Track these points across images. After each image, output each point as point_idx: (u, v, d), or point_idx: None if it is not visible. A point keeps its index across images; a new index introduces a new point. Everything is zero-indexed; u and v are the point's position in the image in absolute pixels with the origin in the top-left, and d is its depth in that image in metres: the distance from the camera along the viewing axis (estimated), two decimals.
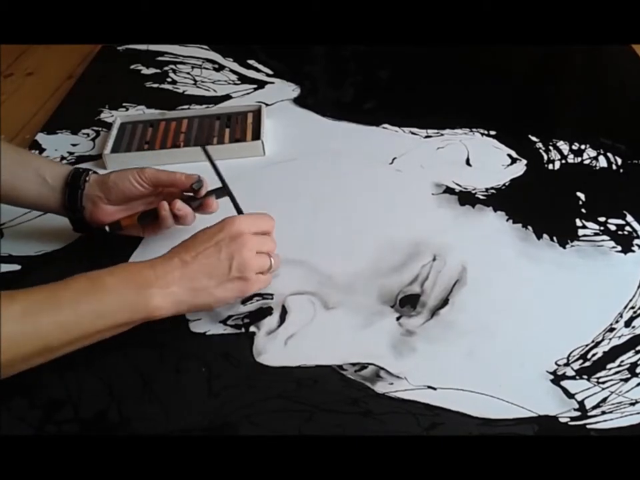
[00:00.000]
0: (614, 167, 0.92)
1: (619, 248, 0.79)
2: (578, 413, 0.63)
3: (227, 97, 1.15)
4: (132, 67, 1.26)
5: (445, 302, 0.74)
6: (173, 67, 1.26)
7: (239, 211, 0.77)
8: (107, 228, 0.81)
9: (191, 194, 0.80)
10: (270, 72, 1.22)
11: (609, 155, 0.94)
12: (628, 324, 0.70)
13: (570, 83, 1.17)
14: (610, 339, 0.69)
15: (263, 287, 0.73)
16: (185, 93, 1.17)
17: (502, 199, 0.88)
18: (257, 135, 1.02)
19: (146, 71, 1.25)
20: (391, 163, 0.97)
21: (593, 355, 0.68)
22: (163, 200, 0.79)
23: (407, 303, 0.74)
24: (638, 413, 0.62)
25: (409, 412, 0.64)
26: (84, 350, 0.71)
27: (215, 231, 0.70)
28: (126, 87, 1.20)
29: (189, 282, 0.68)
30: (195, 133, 1.05)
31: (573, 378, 0.66)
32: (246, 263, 0.69)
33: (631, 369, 0.66)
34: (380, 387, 0.66)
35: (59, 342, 0.63)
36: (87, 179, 0.80)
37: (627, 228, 0.82)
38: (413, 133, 1.02)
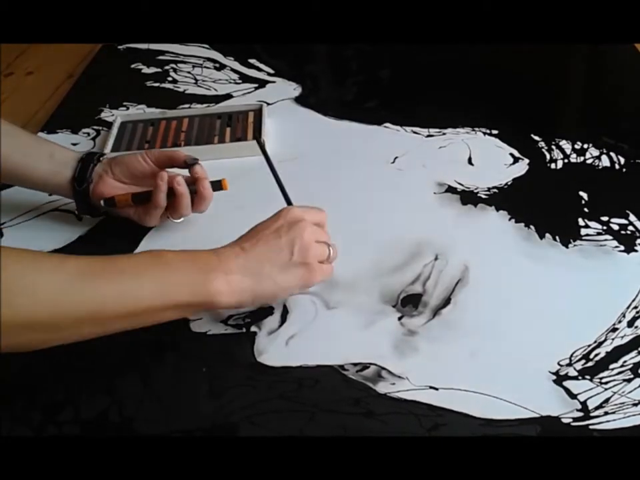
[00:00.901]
0: (617, 166, 0.92)
1: (622, 247, 0.79)
2: (580, 414, 0.62)
3: (228, 96, 1.15)
4: (132, 66, 1.26)
5: (447, 301, 0.74)
6: (173, 65, 1.25)
7: (289, 202, 0.77)
8: (101, 202, 0.82)
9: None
10: (271, 71, 1.21)
11: (612, 154, 0.94)
12: (631, 324, 0.70)
13: (572, 82, 1.16)
14: (613, 339, 0.69)
15: (326, 277, 0.72)
16: (186, 92, 1.17)
17: (504, 199, 0.87)
18: (258, 134, 1.02)
19: (146, 70, 1.25)
20: (393, 162, 0.96)
21: (596, 355, 0.67)
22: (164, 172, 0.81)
23: (409, 302, 0.74)
24: None
25: (410, 412, 0.63)
26: (84, 350, 0.71)
27: (272, 220, 0.70)
28: (126, 86, 1.20)
29: (251, 268, 0.66)
30: (196, 132, 1.05)
31: (575, 378, 0.65)
32: (308, 247, 0.68)
33: (634, 369, 0.66)
34: (382, 387, 0.66)
35: (114, 311, 0.60)
36: (101, 159, 0.84)
37: (630, 227, 0.82)
38: (414, 132, 1.02)
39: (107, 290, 0.59)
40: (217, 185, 0.82)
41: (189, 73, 1.23)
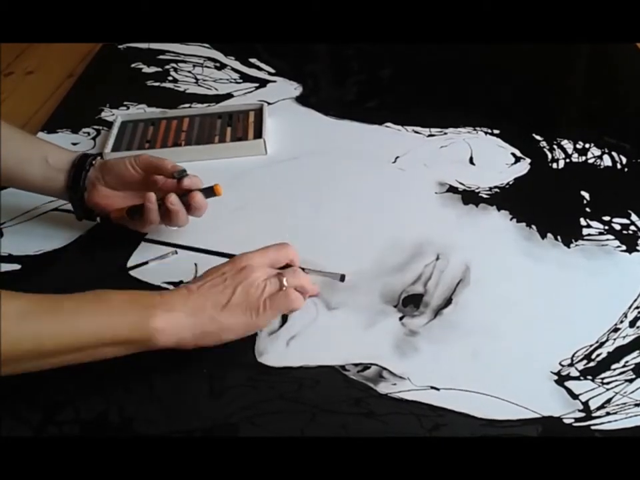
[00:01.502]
0: (618, 165, 0.92)
1: (624, 247, 0.79)
2: (582, 414, 0.62)
3: (229, 96, 1.15)
4: (133, 65, 1.26)
5: (448, 302, 0.74)
6: (174, 65, 1.25)
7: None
8: (97, 219, 0.82)
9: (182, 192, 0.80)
10: (272, 70, 1.21)
11: (614, 153, 0.94)
12: (633, 324, 0.70)
13: (574, 81, 1.16)
14: (614, 339, 0.68)
15: (277, 313, 0.70)
16: (187, 91, 1.17)
17: (506, 198, 0.87)
18: (258, 134, 1.01)
19: (147, 69, 1.24)
20: (394, 161, 0.96)
21: (598, 355, 0.67)
22: (152, 193, 0.79)
23: (410, 302, 0.74)
24: None
25: (411, 413, 0.63)
26: None
27: (222, 265, 0.70)
28: (127, 86, 1.20)
29: (192, 307, 0.66)
30: (197, 131, 1.04)
31: (577, 378, 0.65)
32: (250, 285, 0.67)
33: (636, 369, 0.66)
34: (383, 388, 0.66)
35: (53, 348, 0.61)
36: (93, 162, 0.82)
37: (632, 227, 0.82)
38: (416, 132, 1.02)
39: (45, 329, 0.61)
40: (210, 192, 0.80)
41: (189, 72, 1.23)
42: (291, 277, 0.70)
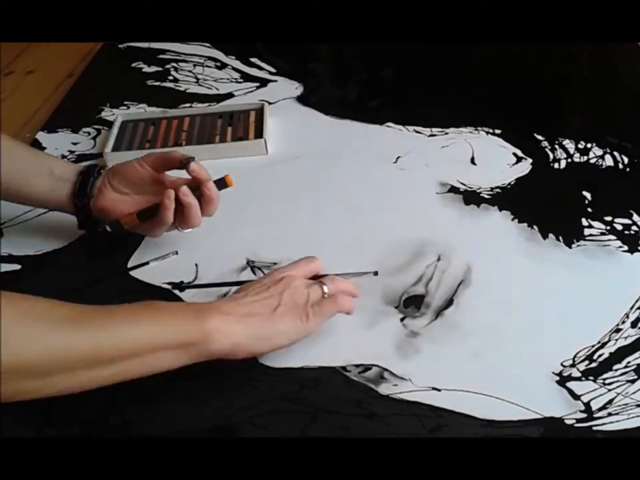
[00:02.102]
0: (620, 165, 0.92)
1: (626, 248, 0.79)
2: (584, 415, 0.62)
3: (230, 95, 1.14)
4: (133, 64, 1.26)
5: (449, 302, 0.74)
6: (174, 64, 1.25)
7: None
8: (107, 228, 0.79)
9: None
10: (273, 70, 1.21)
11: (615, 153, 0.94)
12: (634, 324, 0.70)
13: (576, 81, 1.16)
14: (616, 340, 0.68)
15: (326, 317, 0.69)
16: (187, 91, 1.17)
17: (507, 198, 0.87)
18: (259, 134, 1.01)
19: (147, 68, 1.24)
20: (395, 161, 0.96)
21: (599, 355, 0.67)
22: (171, 189, 0.77)
23: (411, 303, 0.74)
24: None
25: (413, 414, 0.63)
26: None
27: (261, 278, 0.70)
28: (127, 85, 1.20)
29: (243, 312, 0.65)
30: (197, 131, 1.04)
31: (578, 379, 0.65)
32: (295, 293, 0.67)
33: (638, 370, 0.65)
34: (384, 389, 0.65)
35: (108, 354, 0.59)
36: (101, 171, 0.82)
37: (634, 227, 0.81)
38: (417, 132, 1.02)
39: (101, 332, 0.59)
40: (222, 183, 0.78)
41: (190, 71, 1.22)
42: (331, 283, 0.70)
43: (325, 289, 0.69)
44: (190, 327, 0.63)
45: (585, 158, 0.94)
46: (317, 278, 0.71)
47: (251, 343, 0.65)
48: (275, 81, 1.18)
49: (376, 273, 0.75)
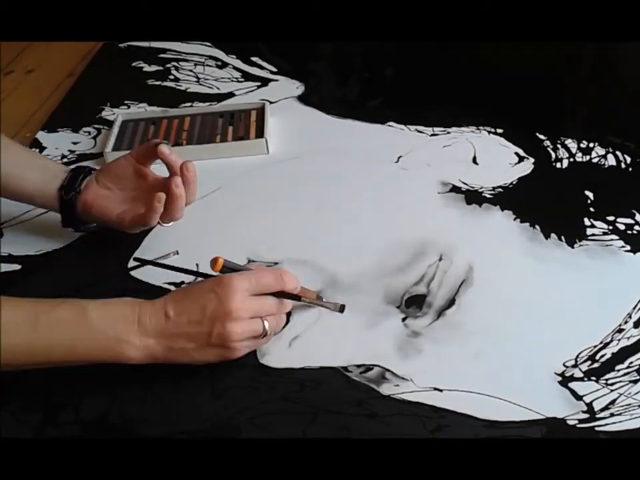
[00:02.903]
0: (623, 165, 0.91)
1: (628, 247, 0.78)
2: (586, 415, 0.62)
3: (230, 95, 1.14)
4: (134, 64, 1.26)
5: (451, 302, 0.73)
6: (175, 64, 1.25)
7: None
8: (94, 226, 0.83)
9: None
10: (274, 69, 1.21)
11: (618, 153, 0.93)
12: (637, 325, 0.69)
13: (578, 81, 1.16)
14: (619, 340, 0.68)
15: (250, 350, 0.68)
16: (188, 90, 1.17)
17: (509, 198, 0.87)
18: (260, 133, 1.01)
19: (148, 68, 1.24)
20: (397, 161, 0.96)
21: (602, 356, 0.67)
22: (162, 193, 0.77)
23: (413, 303, 0.74)
24: None
25: (414, 414, 0.63)
26: None
27: (207, 289, 0.65)
28: (127, 85, 1.20)
29: (167, 340, 0.64)
30: (198, 131, 1.04)
31: (581, 379, 0.65)
32: (227, 334, 0.64)
33: None
34: (385, 389, 0.65)
35: (28, 361, 0.64)
36: (92, 171, 0.83)
37: (636, 227, 0.81)
38: (418, 131, 1.02)
39: (19, 346, 0.62)
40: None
41: (190, 71, 1.22)
42: (277, 321, 0.69)
43: (266, 326, 0.66)
44: (106, 353, 0.64)
45: (587, 157, 0.93)
46: (281, 294, 0.68)
47: (167, 361, 0.65)
48: (276, 80, 1.18)
49: (342, 309, 0.71)
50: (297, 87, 1.15)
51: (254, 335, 0.66)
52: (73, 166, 0.84)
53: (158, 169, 0.81)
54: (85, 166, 0.84)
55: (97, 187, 0.81)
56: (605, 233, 0.80)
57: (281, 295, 0.68)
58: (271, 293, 0.67)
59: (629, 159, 0.92)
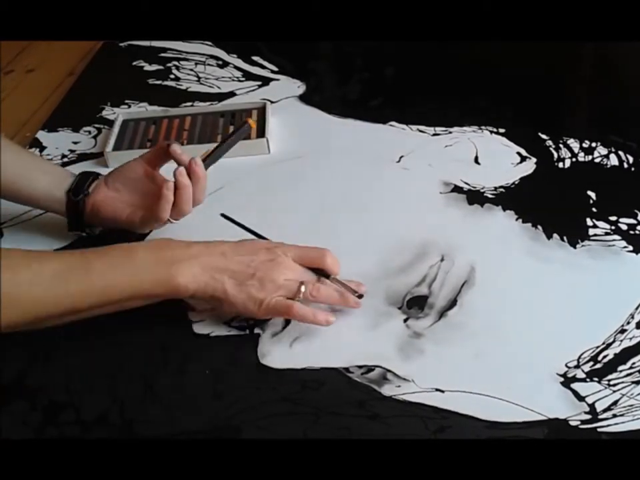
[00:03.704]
0: (625, 165, 0.91)
1: (631, 248, 0.78)
2: (588, 416, 0.61)
3: (231, 94, 1.14)
4: (134, 63, 1.26)
5: (453, 303, 0.73)
6: (176, 63, 1.25)
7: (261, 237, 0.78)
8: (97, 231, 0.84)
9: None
10: (275, 68, 1.21)
11: (620, 153, 0.93)
12: (639, 325, 0.69)
13: (580, 80, 1.16)
14: (621, 341, 0.68)
15: (274, 315, 0.72)
16: (189, 89, 1.17)
17: (511, 198, 0.87)
18: (261, 133, 1.01)
19: (148, 67, 1.24)
20: (398, 161, 0.96)
21: (604, 356, 0.67)
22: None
23: (415, 304, 0.73)
24: None
25: (416, 415, 0.63)
26: (85, 351, 0.71)
27: (264, 245, 0.73)
28: (128, 84, 1.20)
29: (213, 266, 0.69)
30: (199, 130, 1.04)
31: (583, 380, 0.65)
32: (268, 279, 0.69)
33: None
34: (387, 390, 0.65)
35: (87, 305, 0.66)
36: (99, 176, 0.84)
37: (639, 227, 0.81)
38: (420, 131, 1.01)
39: (78, 290, 0.66)
40: (244, 130, 0.84)
41: (191, 70, 1.22)
42: (314, 288, 0.71)
43: (302, 289, 0.70)
44: (159, 282, 0.68)
45: (590, 157, 0.93)
46: (319, 271, 0.72)
47: (208, 293, 0.69)
48: (277, 79, 1.18)
49: (360, 295, 0.73)
50: (298, 87, 1.15)
51: (288, 294, 0.69)
52: (81, 172, 0.84)
53: (164, 172, 0.81)
54: (91, 171, 0.84)
55: (105, 189, 0.82)
56: (607, 233, 0.80)
57: (319, 272, 0.72)
58: (312, 268, 0.72)
59: (631, 159, 0.92)
